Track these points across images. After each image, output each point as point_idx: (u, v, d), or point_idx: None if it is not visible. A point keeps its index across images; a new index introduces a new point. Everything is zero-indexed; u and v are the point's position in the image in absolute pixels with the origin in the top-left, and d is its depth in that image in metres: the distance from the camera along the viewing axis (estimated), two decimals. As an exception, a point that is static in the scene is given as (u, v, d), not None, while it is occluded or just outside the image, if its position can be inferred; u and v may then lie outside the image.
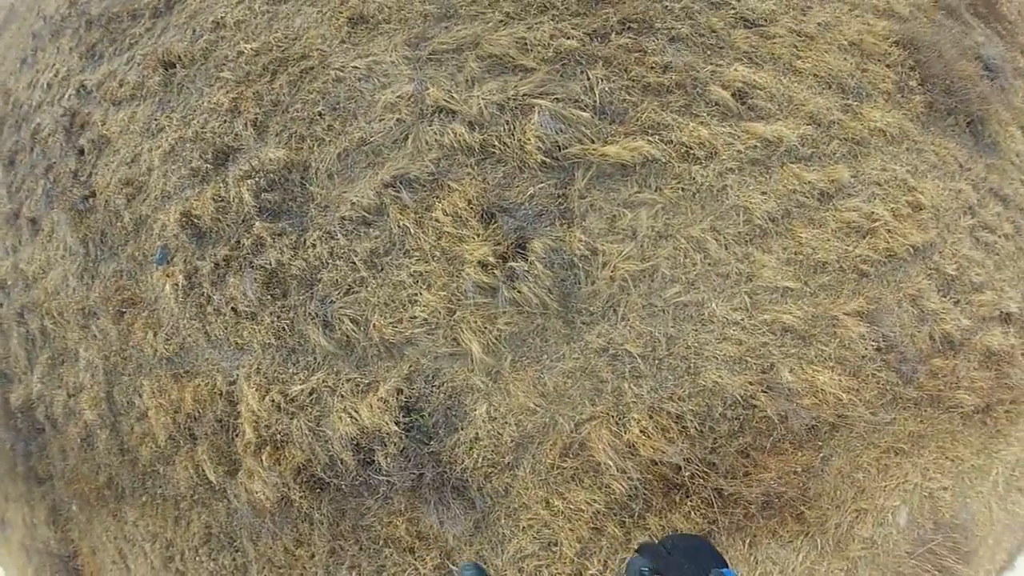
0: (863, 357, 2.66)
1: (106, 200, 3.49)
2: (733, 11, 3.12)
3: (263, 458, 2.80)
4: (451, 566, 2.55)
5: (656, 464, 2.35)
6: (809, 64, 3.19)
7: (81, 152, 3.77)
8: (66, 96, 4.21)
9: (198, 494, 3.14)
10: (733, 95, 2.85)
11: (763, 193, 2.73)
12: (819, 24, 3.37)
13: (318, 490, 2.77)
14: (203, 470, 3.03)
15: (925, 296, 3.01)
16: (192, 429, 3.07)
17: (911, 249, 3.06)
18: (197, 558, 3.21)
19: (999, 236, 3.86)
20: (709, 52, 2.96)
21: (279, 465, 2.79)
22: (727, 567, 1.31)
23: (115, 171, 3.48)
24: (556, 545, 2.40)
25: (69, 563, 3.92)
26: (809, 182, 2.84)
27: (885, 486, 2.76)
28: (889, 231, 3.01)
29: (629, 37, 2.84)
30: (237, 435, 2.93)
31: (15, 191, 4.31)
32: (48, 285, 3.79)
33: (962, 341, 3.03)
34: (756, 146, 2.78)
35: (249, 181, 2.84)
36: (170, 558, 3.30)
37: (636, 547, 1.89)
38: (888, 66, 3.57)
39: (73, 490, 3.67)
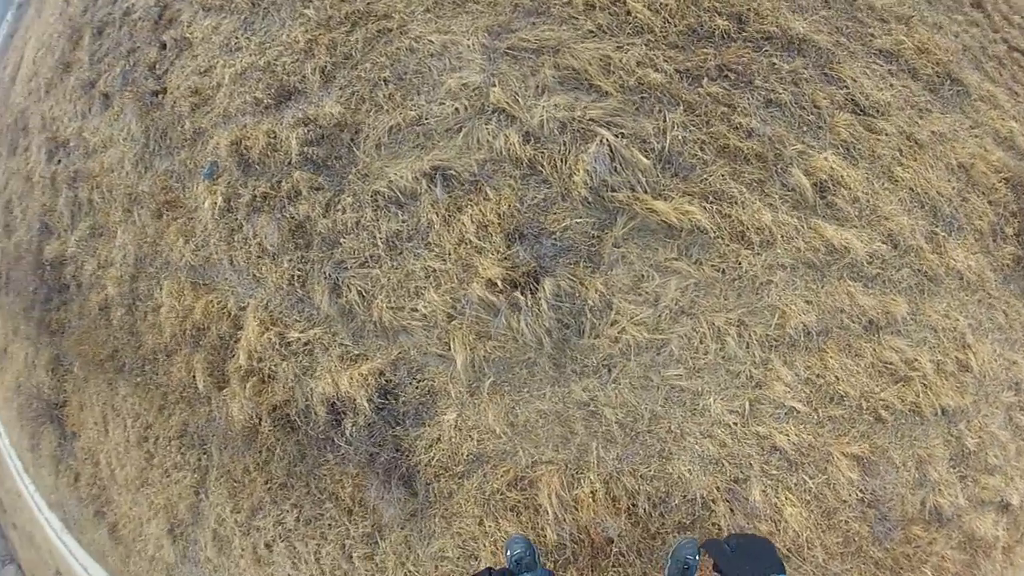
0: (843, 502, 2.50)
1: (174, 101, 3.61)
2: (845, 91, 2.79)
3: (247, 386, 2.99)
4: (378, 539, 2.70)
5: (590, 529, 2.35)
6: (909, 174, 2.84)
7: (163, 47, 3.89)
8: (164, -17, 4.29)
9: (186, 393, 3.40)
10: (814, 185, 2.59)
11: (808, 302, 2.52)
12: (933, 133, 2.97)
13: (288, 430, 2.95)
14: (195, 375, 3.27)
15: (934, 462, 2.74)
16: (196, 337, 3.29)
17: (940, 410, 2.79)
18: (168, 447, 3.53)
19: (1036, 423, 3.46)
20: (804, 129, 2.69)
21: (259, 396, 2.97)
22: (783, 573, 1.29)
23: (188, 77, 3.58)
24: (476, 559, 2.49)
25: (54, 410, 4.36)
26: (861, 306, 2.59)
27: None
28: (925, 384, 2.71)
29: (723, 87, 2.60)
30: (232, 356, 3.12)
31: (96, 61, 4.52)
32: (105, 160, 4.03)
33: (951, 518, 2.80)
34: (819, 249, 2.55)
35: (301, 129, 2.86)
36: (145, 438, 3.64)
37: (701, 543, 1.87)
38: (991, 203, 3.12)
39: (79, 350, 4.04)
